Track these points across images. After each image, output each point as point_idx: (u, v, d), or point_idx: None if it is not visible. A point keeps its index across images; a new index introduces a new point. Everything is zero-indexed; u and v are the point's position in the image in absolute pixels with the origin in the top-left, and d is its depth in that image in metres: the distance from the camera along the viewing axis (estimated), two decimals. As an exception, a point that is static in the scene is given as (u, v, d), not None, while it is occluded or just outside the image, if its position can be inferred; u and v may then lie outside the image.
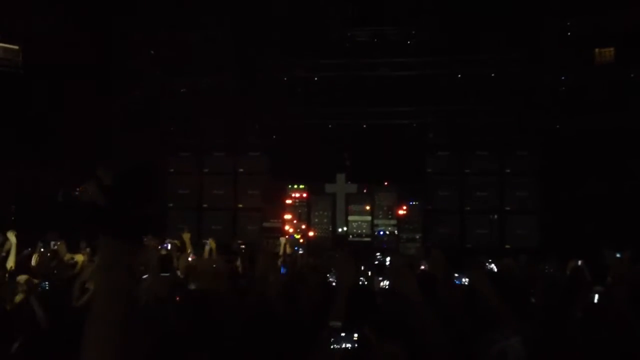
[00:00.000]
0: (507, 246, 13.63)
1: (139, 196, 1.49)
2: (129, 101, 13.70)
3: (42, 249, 7.30)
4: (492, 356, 2.85)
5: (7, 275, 5.45)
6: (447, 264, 5.34)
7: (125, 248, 1.46)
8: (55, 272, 6.32)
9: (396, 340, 2.19)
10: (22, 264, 6.57)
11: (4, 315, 4.40)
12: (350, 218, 14.33)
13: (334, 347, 2.54)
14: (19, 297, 4.48)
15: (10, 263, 6.12)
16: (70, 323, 3.40)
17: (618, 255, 8.10)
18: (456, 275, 5.01)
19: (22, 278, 4.83)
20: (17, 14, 11.51)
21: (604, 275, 6.49)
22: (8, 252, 6.57)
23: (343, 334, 2.57)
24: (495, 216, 14.04)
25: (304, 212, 14.36)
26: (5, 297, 4.61)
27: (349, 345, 2.55)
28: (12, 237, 6.67)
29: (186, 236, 7.96)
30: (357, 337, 2.55)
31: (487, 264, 7.91)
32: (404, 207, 14.29)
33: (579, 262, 7.07)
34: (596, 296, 4.43)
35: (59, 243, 7.89)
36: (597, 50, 12.62)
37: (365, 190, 14.41)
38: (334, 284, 5.58)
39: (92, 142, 12.59)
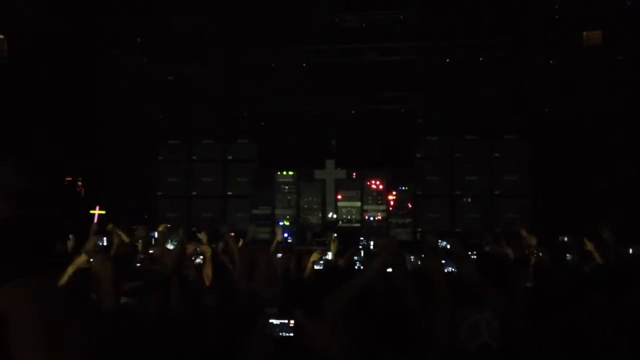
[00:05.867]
0: (497, 230, 13.66)
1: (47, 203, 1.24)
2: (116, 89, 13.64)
3: None
4: (466, 329, 2.90)
5: None
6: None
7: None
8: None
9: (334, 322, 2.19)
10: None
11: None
12: (340, 204, 14.33)
13: (269, 332, 2.53)
14: None
15: None
16: None
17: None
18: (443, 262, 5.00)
19: None
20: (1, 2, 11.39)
21: (590, 258, 6.55)
22: None
23: (278, 321, 2.56)
24: (469, 199, 14.11)
25: (293, 198, 14.35)
26: None
27: (284, 331, 2.55)
28: None
29: (204, 237, 7.95)
30: (294, 322, 2.54)
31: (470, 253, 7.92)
32: (394, 193, 14.30)
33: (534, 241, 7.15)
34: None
35: None
36: (585, 33, 12.62)
37: (354, 176, 14.40)
38: None
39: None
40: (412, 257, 6.31)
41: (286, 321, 2.57)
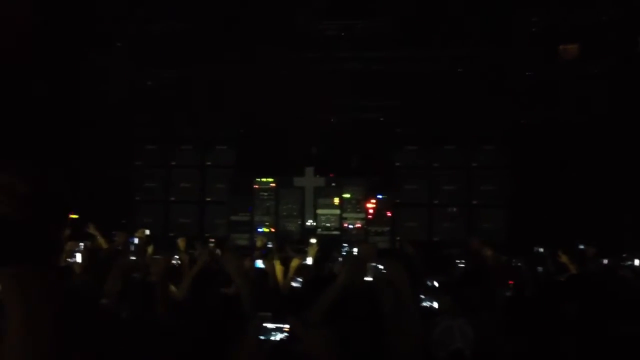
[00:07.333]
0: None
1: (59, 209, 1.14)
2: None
3: None
4: (439, 335, 2.92)
5: None
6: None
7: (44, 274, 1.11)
8: None
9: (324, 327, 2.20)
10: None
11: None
12: (319, 211, 14.35)
13: (262, 337, 2.50)
14: None
15: None
16: None
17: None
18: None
19: None
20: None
21: (565, 270, 6.63)
22: None
23: (273, 325, 2.55)
24: (455, 209, 14.23)
25: (272, 205, 14.33)
26: None
27: (278, 336, 2.53)
28: None
29: (182, 242, 7.97)
30: (288, 328, 2.52)
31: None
32: (373, 201, 14.35)
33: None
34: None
35: None
36: (561, 46, 12.79)
37: (333, 184, 14.43)
38: None
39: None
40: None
41: (281, 325, 2.55)
